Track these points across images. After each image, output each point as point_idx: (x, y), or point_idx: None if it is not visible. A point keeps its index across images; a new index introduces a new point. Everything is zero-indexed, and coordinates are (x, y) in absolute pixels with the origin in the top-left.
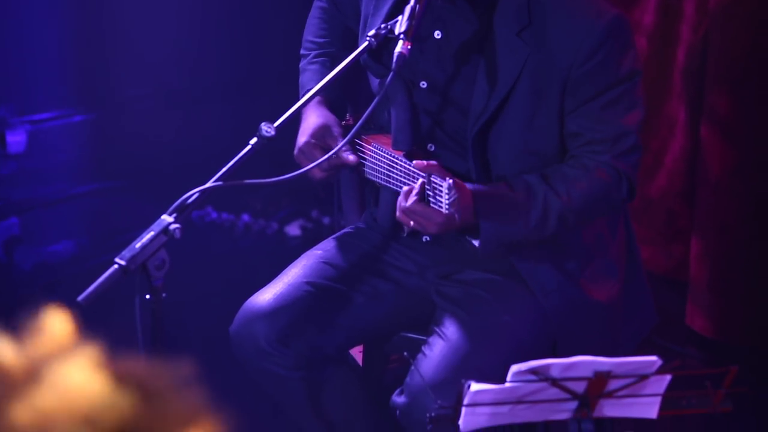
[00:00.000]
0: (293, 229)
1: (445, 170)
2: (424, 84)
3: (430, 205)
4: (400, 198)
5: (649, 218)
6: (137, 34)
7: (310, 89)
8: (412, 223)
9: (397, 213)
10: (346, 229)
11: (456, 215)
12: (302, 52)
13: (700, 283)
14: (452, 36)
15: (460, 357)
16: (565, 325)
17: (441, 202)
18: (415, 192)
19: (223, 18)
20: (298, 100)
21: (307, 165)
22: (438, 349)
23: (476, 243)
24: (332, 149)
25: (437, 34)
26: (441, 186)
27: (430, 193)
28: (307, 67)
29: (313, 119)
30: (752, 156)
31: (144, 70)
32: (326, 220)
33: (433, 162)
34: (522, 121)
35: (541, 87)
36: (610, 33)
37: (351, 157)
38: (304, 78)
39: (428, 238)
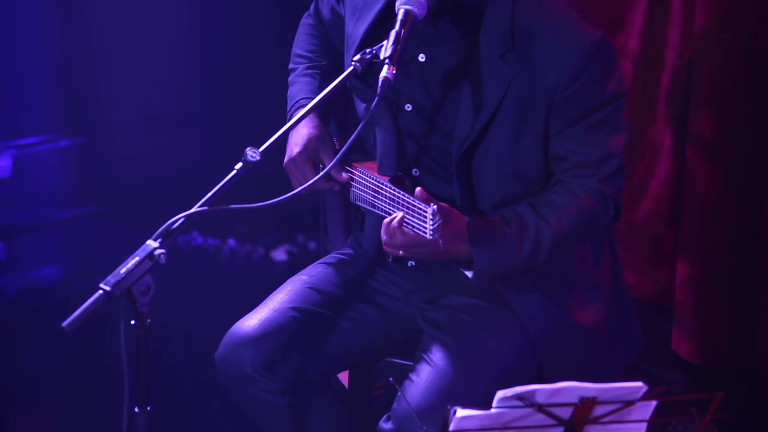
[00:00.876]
0: (279, 254)
1: (432, 197)
2: (408, 107)
3: (413, 232)
4: (382, 231)
5: (635, 243)
6: (123, 58)
7: (300, 100)
8: (401, 252)
9: (383, 245)
10: (331, 254)
11: (440, 241)
12: (291, 66)
13: (686, 308)
14: (436, 59)
15: (446, 383)
16: (550, 350)
17: (425, 228)
18: (394, 223)
19: (208, 42)
20: (286, 117)
21: (297, 176)
22: (424, 375)
23: (469, 274)
24: (323, 164)
25: (421, 57)
26: (425, 212)
27: (416, 220)
28: (297, 79)
29: (306, 130)
30: (737, 180)
31: (130, 95)
32: (312, 245)
33: (419, 190)
34: (506, 144)
35: (526, 109)
36: (594, 55)
37: (343, 175)
38: (293, 89)
39: (413, 264)
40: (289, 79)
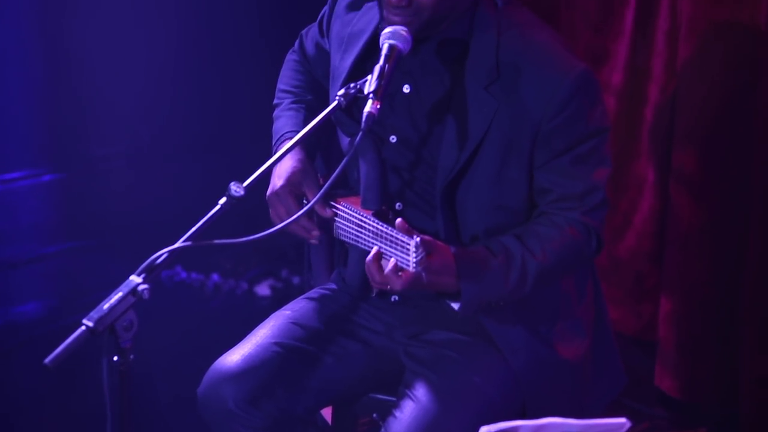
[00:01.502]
0: (263, 289)
1: (414, 229)
2: (393, 138)
3: (395, 266)
4: (367, 262)
5: (618, 278)
6: (106, 92)
7: (285, 134)
8: (380, 284)
9: (371, 281)
10: (315, 289)
11: (424, 274)
12: (275, 101)
13: (669, 344)
14: (421, 90)
15: (429, 419)
16: (533, 385)
17: (408, 261)
18: (369, 258)
19: (192, 77)
20: (270, 152)
21: (279, 210)
22: (408, 411)
23: (455, 306)
24: (306, 198)
25: (406, 89)
26: (408, 244)
27: (399, 253)
28: (281, 113)
29: (290, 163)
30: (721, 215)
31: (113, 129)
32: (296, 280)
33: (399, 221)
34: (491, 176)
35: (511, 141)
36: (580, 87)
37: (327, 211)
38: (278, 124)
39: (396, 299)
40: (274, 114)
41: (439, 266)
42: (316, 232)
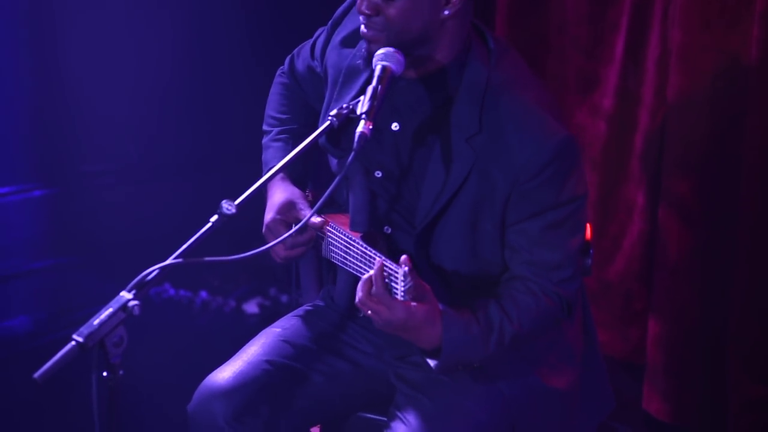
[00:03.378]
0: (251, 307)
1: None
2: (378, 174)
3: (389, 295)
4: (360, 284)
5: (607, 302)
6: (97, 109)
7: (273, 166)
8: (369, 312)
9: (356, 299)
10: (304, 307)
11: (413, 304)
12: (264, 128)
13: (657, 367)
14: (408, 130)
15: None
16: (523, 410)
17: (397, 289)
18: (377, 276)
19: (183, 94)
20: (261, 176)
21: (273, 240)
22: None
23: (432, 363)
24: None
25: (395, 127)
26: (396, 273)
27: (387, 281)
28: (269, 144)
29: (278, 196)
30: (709, 240)
31: (104, 146)
32: (284, 298)
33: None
34: (466, 224)
35: (485, 195)
36: (559, 153)
37: (317, 219)
38: (267, 155)
39: None
40: (263, 142)
41: (425, 314)
42: (319, 220)
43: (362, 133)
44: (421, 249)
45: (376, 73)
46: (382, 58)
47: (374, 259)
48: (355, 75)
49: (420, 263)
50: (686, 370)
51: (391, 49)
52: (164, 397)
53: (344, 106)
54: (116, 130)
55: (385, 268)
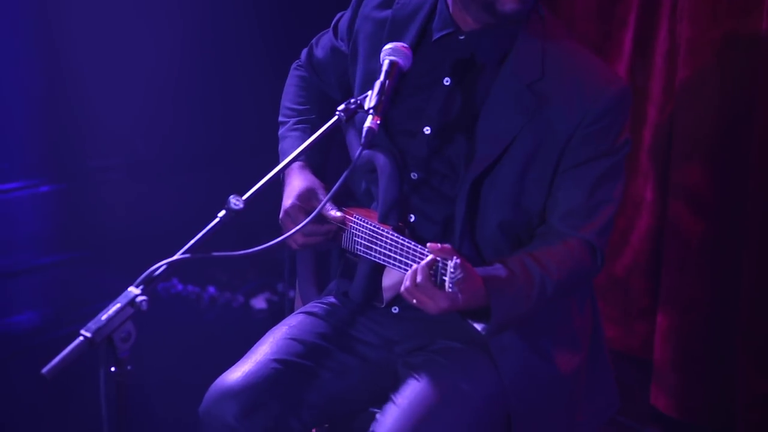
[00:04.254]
0: (259, 302)
1: (454, 251)
2: (428, 129)
3: (436, 285)
4: (408, 274)
5: (615, 296)
6: (105, 104)
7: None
8: (414, 300)
9: (402, 288)
10: (312, 303)
11: (459, 295)
12: (281, 119)
13: (664, 362)
14: (462, 83)
15: (410, 423)
16: (523, 400)
17: (445, 280)
18: (423, 267)
19: (192, 88)
20: (271, 166)
21: (292, 227)
22: (389, 415)
23: (478, 326)
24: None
25: (446, 81)
26: (447, 265)
27: (434, 272)
28: (287, 134)
29: (297, 182)
30: (718, 235)
31: (112, 141)
32: (292, 293)
33: (446, 245)
34: (516, 173)
35: (542, 141)
36: (620, 101)
37: (337, 214)
38: (285, 144)
39: (397, 310)
40: (279, 133)
41: (470, 296)
42: (338, 213)
43: (370, 128)
44: (466, 207)
45: (384, 68)
46: (389, 53)
47: (414, 249)
48: (406, 23)
49: (462, 225)
50: (694, 365)
51: (399, 44)
52: (172, 393)
53: (352, 100)
54: (123, 125)
55: (437, 259)
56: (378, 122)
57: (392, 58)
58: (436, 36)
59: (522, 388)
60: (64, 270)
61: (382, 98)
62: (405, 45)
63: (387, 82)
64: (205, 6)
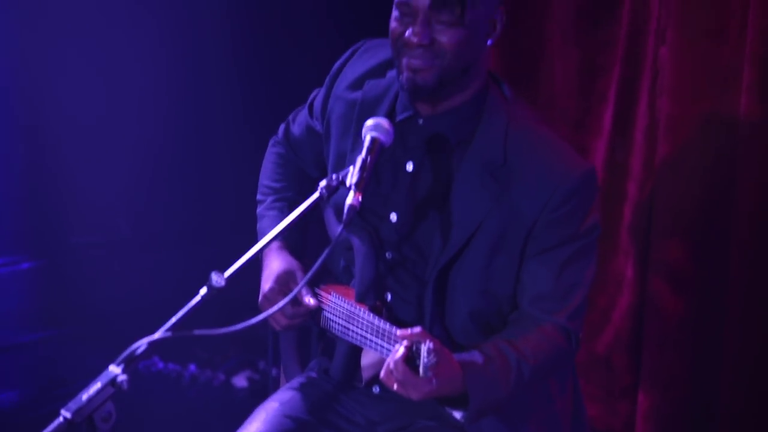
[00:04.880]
0: (240, 381)
1: (426, 334)
2: (394, 217)
3: (413, 371)
4: (386, 362)
5: (597, 375)
6: (86, 181)
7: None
8: (395, 386)
9: (381, 375)
10: (298, 379)
11: (434, 380)
12: (259, 197)
13: None
14: (424, 169)
15: None
16: None
17: (419, 362)
18: (399, 357)
19: (173, 166)
20: (254, 246)
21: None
22: None
23: (457, 414)
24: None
25: (409, 167)
26: (419, 350)
27: (410, 358)
28: (265, 213)
29: (275, 265)
30: (699, 312)
31: (93, 218)
32: (275, 372)
33: (417, 329)
34: (482, 260)
35: (507, 228)
36: (584, 184)
37: (312, 301)
38: (262, 224)
39: (377, 390)
40: (258, 211)
41: (447, 379)
42: (313, 301)
43: (351, 206)
44: (436, 295)
45: (366, 144)
46: (371, 128)
47: (389, 331)
48: (377, 102)
49: (433, 311)
50: None
51: (381, 120)
52: None
53: (333, 176)
54: (106, 201)
55: (408, 344)
56: (360, 199)
57: (374, 134)
58: (398, 118)
59: None
60: (45, 347)
61: (364, 174)
62: (387, 120)
63: (369, 158)
64: (186, 80)
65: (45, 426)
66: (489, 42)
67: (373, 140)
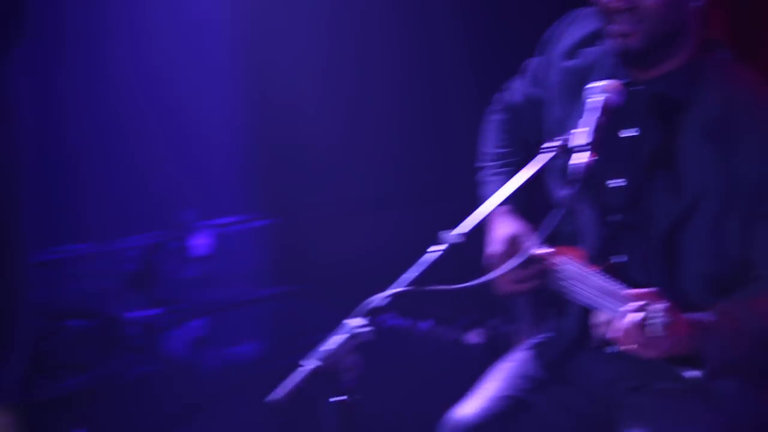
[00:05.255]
0: (473, 337)
1: (658, 296)
2: (612, 183)
3: (644, 330)
4: (617, 320)
5: None
6: (318, 142)
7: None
8: (629, 346)
9: (614, 333)
10: (534, 340)
11: (667, 339)
12: (481, 164)
13: None
14: (644, 135)
15: None
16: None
17: (655, 323)
18: (633, 315)
19: (403, 125)
20: (484, 206)
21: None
22: None
23: (692, 375)
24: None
25: (632, 132)
26: (652, 310)
27: (641, 318)
28: (489, 178)
29: (503, 229)
30: None
31: (325, 178)
32: (508, 329)
33: (647, 290)
34: (710, 224)
35: (735, 187)
36: None
37: (543, 252)
38: (487, 189)
39: (611, 350)
40: (481, 177)
41: (680, 333)
42: (526, 284)
43: (587, 164)
44: (665, 257)
45: (599, 104)
46: (601, 90)
47: (622, 293)
48: (593, 71)
49: (662, 274)
50: None
51: (611, 81)
52: (393, 424)
53: (560, 138)
54: (337, 161)
55: (641, 304)
56: (594, 159)
57: (606, 95)
58: None
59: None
60: (281, 303)
61: (597, 135)
62: (617, 81)
63: (602, 118)
64: (418, 41)
65: (284, 377)
66: (697, 3)
67: (606, 101)
